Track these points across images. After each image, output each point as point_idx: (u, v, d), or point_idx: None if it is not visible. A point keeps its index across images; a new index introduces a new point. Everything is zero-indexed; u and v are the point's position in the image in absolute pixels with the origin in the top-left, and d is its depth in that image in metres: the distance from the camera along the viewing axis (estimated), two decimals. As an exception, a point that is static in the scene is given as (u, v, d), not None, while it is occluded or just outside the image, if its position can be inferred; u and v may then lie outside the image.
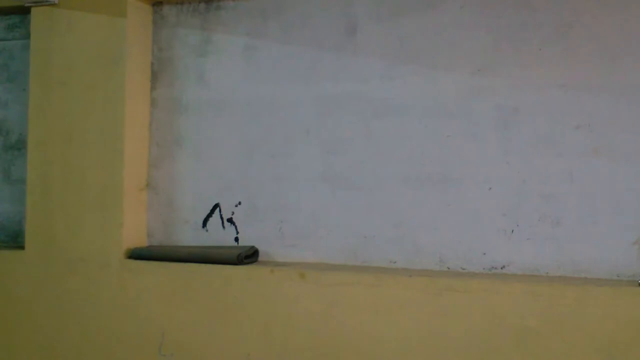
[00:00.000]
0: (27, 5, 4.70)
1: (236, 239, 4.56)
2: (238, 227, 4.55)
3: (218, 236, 4.59)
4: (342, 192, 4.30)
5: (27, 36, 4.82)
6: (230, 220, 4.57)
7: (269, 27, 4.50)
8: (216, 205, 4.60)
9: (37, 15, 4.71)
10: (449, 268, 4.10)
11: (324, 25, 4.37)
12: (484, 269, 4.04)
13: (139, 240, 4.65)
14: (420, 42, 4.15)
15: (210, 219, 4.61)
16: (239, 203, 4.55)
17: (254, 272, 4.21)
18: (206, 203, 4.61)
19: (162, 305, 4.39)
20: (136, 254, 4.50)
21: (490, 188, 4.01)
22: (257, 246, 4.43)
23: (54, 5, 4.64)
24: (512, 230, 3.98)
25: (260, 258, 4.42)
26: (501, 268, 4.01)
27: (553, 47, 3.91)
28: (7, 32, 5.11)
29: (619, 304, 3.58)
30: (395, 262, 4.17)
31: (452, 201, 4.08)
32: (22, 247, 4.76)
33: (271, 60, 4.49)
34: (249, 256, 4.35)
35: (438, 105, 4.11)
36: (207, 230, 4.62)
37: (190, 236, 4.64)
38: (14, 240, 5.01)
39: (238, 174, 4.55)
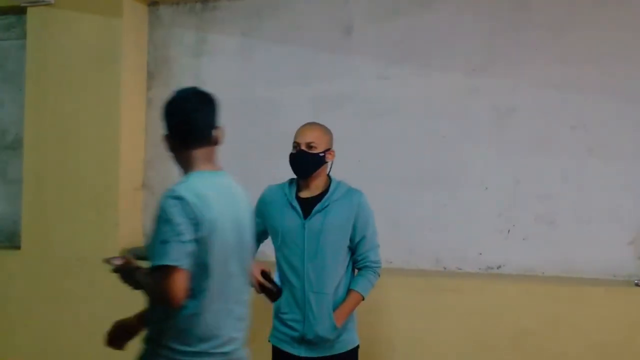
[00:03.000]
0: (23, 5, 4.69)
1: (232, 239, 4.56)
2: (234, 227, 4.55)
3: (214, 236, 4.58)
4: (338, 192, 4.29)
5: (23, 36, 4.80)
6: (226, 221, 4.57)
7: (265, 27, 4.50)
8: (212, 206, 4.59)
9: (34, 15, 4.70)
10: (445, 268, 4.11)
11: (320, 26, 4.37)
12: (479, 269, 4.04)
13: (135, 240, 4.64)
14: (415, 43, 4.15)
15: (207, 219, 4.60)
16: (235, 203, 4.54)
17: (250, 272, 4.21)
18: (202, 203, 4.60)
19: (158, 305, 4.39)
20: (132, 254, 4.49)
21: (486, 188, 4.02)
22: (253, 246, 4.42)
23: (50, 5, 4.63)
24: (508, 231, 3.98)
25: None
26: (497, 268, 4.01)
27: (548, 47, 3.92)
28: (3, 32, 5.10)
29: (614, 303, 3.59)
30: (391, 262, 4.16)
31: (447, 201, 4.08)
32: (18, 247, 4.75)
33: (267, 61, 4.49)
34: (245, 256, 4.35)
35: (433, 106, 4.11)
36: (203, 231, 4.61)
37: (186, 236, 4.63)
38: (10, 240, 5.00)
39: (233, 173, 4.52)
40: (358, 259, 3.12)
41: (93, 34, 4.56)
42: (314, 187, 3.13)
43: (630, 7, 3.81)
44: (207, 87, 4.52)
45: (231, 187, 2.46)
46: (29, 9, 4.71)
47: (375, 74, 4.23)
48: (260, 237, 3.29)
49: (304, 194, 3.14)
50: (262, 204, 3.24)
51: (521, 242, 3.96)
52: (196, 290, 2.24)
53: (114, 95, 4.52)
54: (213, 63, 4.62)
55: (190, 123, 2.37)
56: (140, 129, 4.71)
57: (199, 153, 2.38)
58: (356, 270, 3.18)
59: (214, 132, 2.41)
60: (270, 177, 4.40)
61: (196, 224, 2.20)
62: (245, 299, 2.44)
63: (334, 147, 3.19)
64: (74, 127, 4.56)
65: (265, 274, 3.06)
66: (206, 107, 2.41)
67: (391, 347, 3.87)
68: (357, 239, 3.09)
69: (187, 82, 4.64)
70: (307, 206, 3.09)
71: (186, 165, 2.42)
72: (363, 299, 3.14)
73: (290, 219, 3.09)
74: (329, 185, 3.15)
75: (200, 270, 2.24)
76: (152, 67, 4.77)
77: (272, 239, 3.19)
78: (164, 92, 4.68)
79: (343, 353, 3.11)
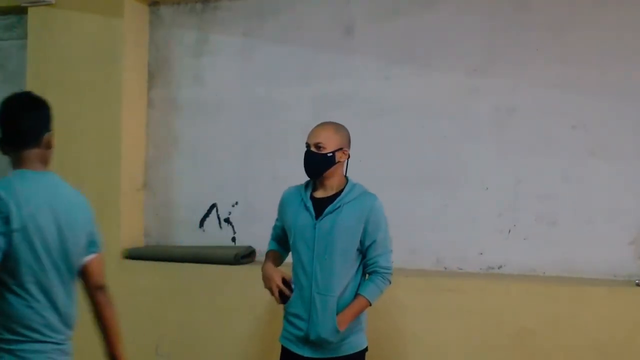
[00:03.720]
0: (24, 5, 4.70)
1: (233, 239, 4.56)
2: (235, 227, 4.56)
3: (215, 236, 4.59)
4: (338, 192, 4.29)
5: (24, 36, 4.81)
6: (227, 221, 4.58)
7: (265, 27, 4.50)
8: (213, 206, 4.60)
9: (35, 15, 4.71)
10: (445, 268, 4.11)
11: (321, 26, 4.37)
12: (480, 269, 4.04)
13: (136, 240, 4.65)
14: (416, 43, 4.15)
15: (207, 219, 4.61)
16: (236, 203, 4.55)
17: (251, 272, 4.19)
18: (203, 203, 4.61)
19: (159, 305, 4.40)
20: (133, 254, 4.51)
21: (486, 188, 4.02)
22: (253, 246, 4.42)
23: (51, 5, 4.63)
24: (509, 231, 3.99)
25: (257, 258, 4.42)
26: (498, 268, 4.01)
27: (549, 47, 3.92)
28: (4, 32, 5.11)
29: (614, 303, 3.59)
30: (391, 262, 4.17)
31: (448, 201, 4.08)
32: (19, 247, 4.75)
33: (268, 61, 4.49)
34: (246, 256, 4.36)
35: (434, 106, 4.11)
36: (204, 231, 4.62)
37: (187, 236, 4.65)
38: (11, 240, 5.00)
39: (235, 174, 4.55)
40: (368, 264, 3.11)
41: (94, 34, 4.56)
42: (329, 188, 3.14)
43: (630, 7, 3.81)
44: (208, 87, 4.62)
45: (56, 187, 2.55)
46: (29, 9, 4.71)
47: (376, 74, 4.23)
48: (284, 239, 3.29)
49: (319, 194, 3.15)
50: (281, 205, 3.29)
51: (522, 242, 3.96)
52: (14, 284, 2.37)
53: (115, 95, 4.52)
54: (214, 63, 4.62)
55: (16, 126, 2.51)
56: (141, 129, 4.71)
57: (28, 154, 2.50)
58: (367, 275, 3.17)
59: (45, 136, 2.52)
60: (270, 177, 4.44)
61: (6, 217, 2.31)
62: (68, 293, 2.58)
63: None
64: (74, 127, 4.56)
65: (285, 281, 3.12)
66: (34, 111, 2.54)
67: (391, 347, 3.87)
68: (367, 243, 3.08)
69: (188, 82, 4.68)
70: (321, 206, 3.10)
71: (15, 165, 2.53)
72: (370, 305, 3.11)
73: (303, 219, 3.11)
74: (344, 186, 3.14)
75: (14, 264, 2.36)
76: (153, 67, 4.77)
77: (288, 238, 3.20)
78: (165, 92, 4.73)
79: (349, 355, 3.10)
